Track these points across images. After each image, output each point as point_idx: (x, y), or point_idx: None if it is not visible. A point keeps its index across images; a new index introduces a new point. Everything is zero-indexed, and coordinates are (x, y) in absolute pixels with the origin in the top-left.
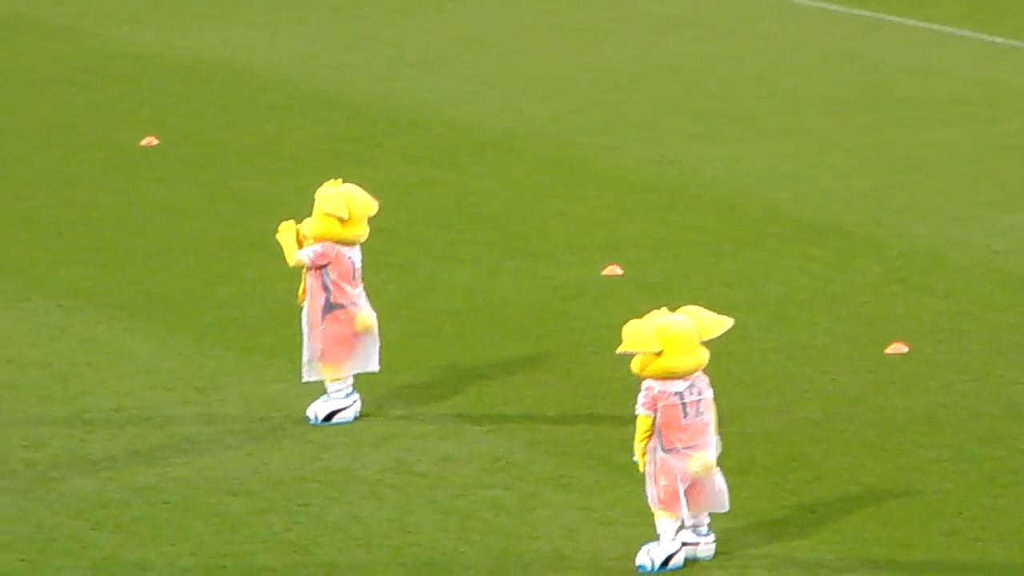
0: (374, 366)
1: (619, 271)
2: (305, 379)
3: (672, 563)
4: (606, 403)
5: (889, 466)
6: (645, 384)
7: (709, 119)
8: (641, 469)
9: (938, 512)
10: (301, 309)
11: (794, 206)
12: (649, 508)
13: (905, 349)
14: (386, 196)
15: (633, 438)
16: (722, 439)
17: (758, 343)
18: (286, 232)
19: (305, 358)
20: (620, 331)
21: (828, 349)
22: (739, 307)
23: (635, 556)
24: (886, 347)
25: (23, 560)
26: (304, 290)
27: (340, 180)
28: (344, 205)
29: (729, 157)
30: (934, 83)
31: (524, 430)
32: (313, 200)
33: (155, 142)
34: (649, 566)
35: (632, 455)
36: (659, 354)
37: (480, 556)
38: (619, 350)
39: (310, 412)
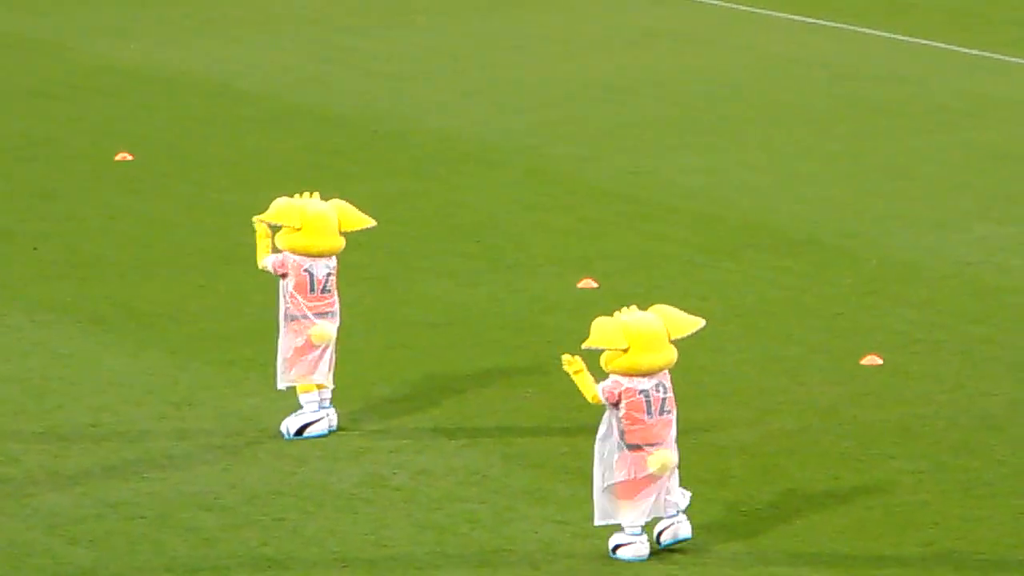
0: (320, 379)
1: (594, 284)
2: (279, 386)
3: (621, 553)
4: (582, 416)
5: (864, 477)
6: (612, 378)
7: (687, 130)
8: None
9: (914, 523)
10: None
11: (770, 217)
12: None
13: (879, 361)
14: (365, 208)
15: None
16: (696, 451)
17: (732, 354)
18: (262, 234)
19: (278, 366)
20: None
21: (803, 360)
22: (714, 318)
23: (614, 569)
24: (861, 358)
25: None
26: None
27: (314, 193)
28: (295, 215)
29: (706, 168)
30: (911, 93)
31: (500, 443)
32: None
33: (129, 158)
34: (608, 550)
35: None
36: (626, 351)
37: (456, 569)
38: (584, 345)
39: (283, 427)
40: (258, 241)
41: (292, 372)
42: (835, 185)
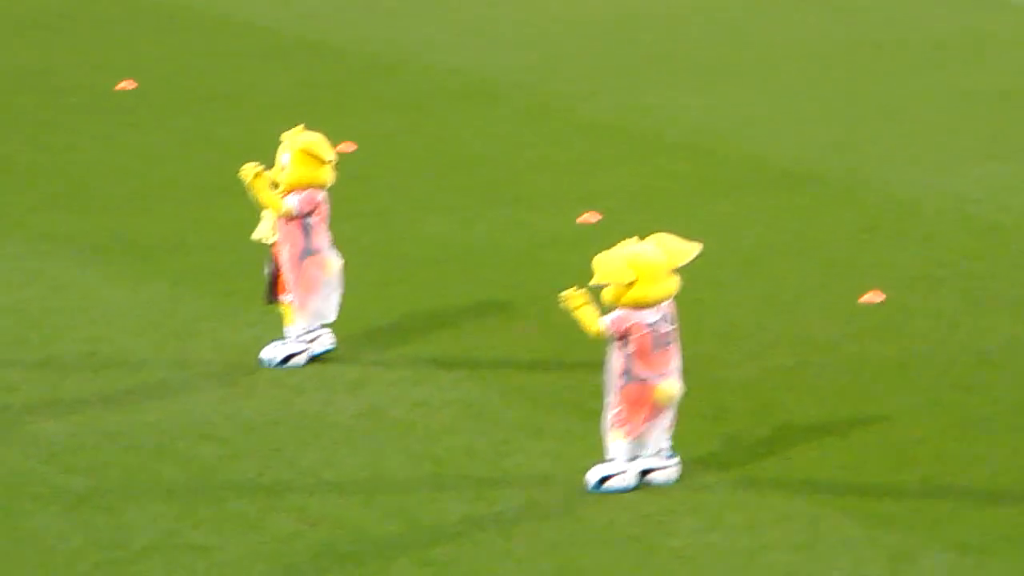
0: (333, 315)
1: (593, 219)
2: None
3: (610, 484)
4: (580, 350)
5: (862, 413)
6: (618, 312)
7: (686, 67)
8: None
9: (911, 459)
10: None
11: (770, 154)
12: (605, 433)
13: (880, 298)
14: (362, 143)
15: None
16: (693, 386)
17: (731, 291)
18: (259, 179)
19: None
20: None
21: (801, 297)
22: (712, 255)
23: (611, 503)
24: (860, 296)
25: None
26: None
27: (303, 126)
28: (329, 147)
29: (705, 105)
30: (911, 31)
31: (498, 377)
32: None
33: (132, 86)
34: (589, 485)
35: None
36: (632, 284)
37: (453, 501)
38: (592, 283)
39: (265, 355)
40: (262, 189)
41: (308, 312)
42: (835, 123)
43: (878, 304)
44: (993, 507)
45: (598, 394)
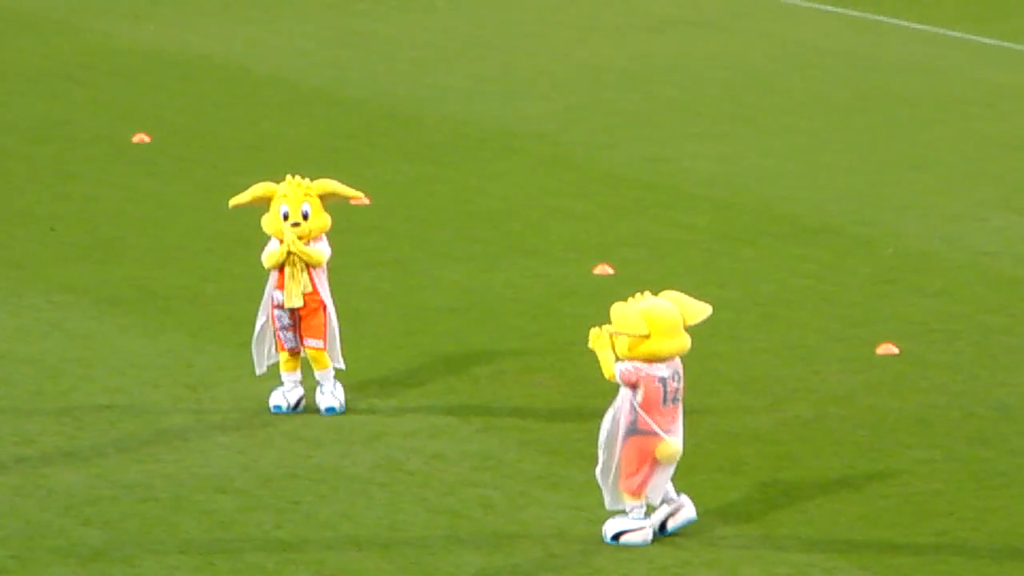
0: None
1: (610, 270)
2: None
3: (627, 539)
4: (597, 402)
5: (879, 466)
6: (631, 363)
7: (705, 117)
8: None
9: (928, 512)
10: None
11: (788, 205)
12: (603, 484)
13: (896, 350)
14: (382, 193)
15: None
16: (710, 438)
17: (749, 342)
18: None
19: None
20: None
21: (819, 349)
22: (731, 306)
23: (628, 555)
24: (877, 347)
25: (12, 556)
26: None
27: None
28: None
29: (725, 156)
30: (930, 83)
31: (515, 429)
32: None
33: (147, 139)
34: (606, 537)
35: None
36: (645, 337)
37: (469, 554)
38: (610, 330)
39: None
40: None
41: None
42: (853, 174)
43: (895, 356)
44: (1010, 561)
45: None
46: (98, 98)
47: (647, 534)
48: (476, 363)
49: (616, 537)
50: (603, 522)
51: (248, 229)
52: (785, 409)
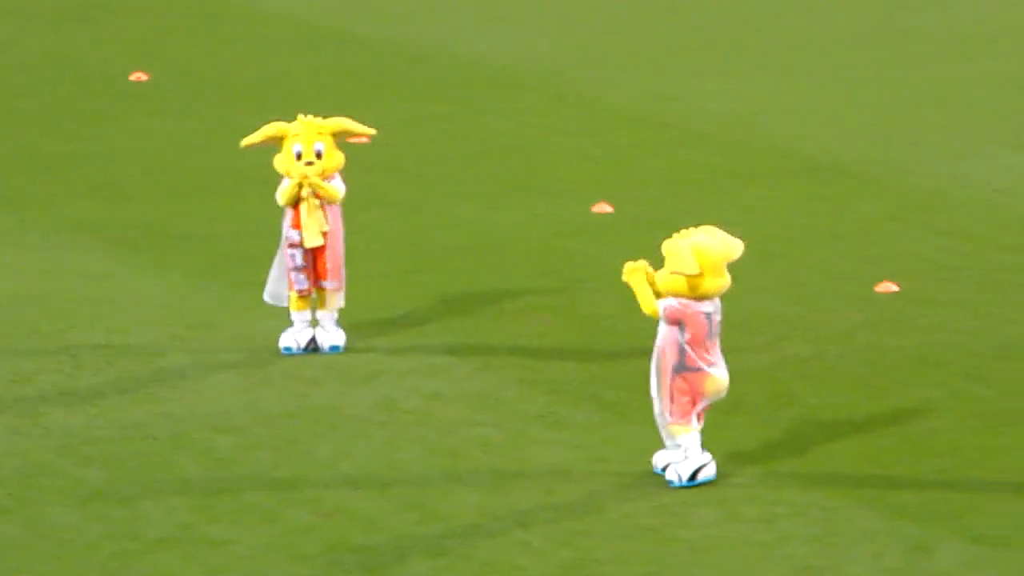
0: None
1: (608, 208)
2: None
3: (702, 475)
4: (599, 341)
5: (879, 405)
6: (677, 299)
7: (714, 55)
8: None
9: (928, 451)
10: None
11: (797, 143)
12: (664, 427)
13: (896, 288)
14: (391, 132)
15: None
16: None
17: (749, 281)
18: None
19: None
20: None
21: (823, 287)
22: None
23: (628, 495)
24: (876, 285)
25: (11, 495)
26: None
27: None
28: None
29: (732, 94)
30: (939, 20)
31: (514, 368)
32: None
33: (144, 78)
34: (677, 480)
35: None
36: (700, 276)
37: (468, 493)
38: (671, 271)
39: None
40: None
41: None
42: (861, 112)
43: (896, 294)
44: (1011, 499)
45: (616, 385)
46: (106, 37)
47: (713, 467)
48: (478, 303)
49: (693, 477)
50: (603, 461)
51: (254, 168)
52: (785, 347)
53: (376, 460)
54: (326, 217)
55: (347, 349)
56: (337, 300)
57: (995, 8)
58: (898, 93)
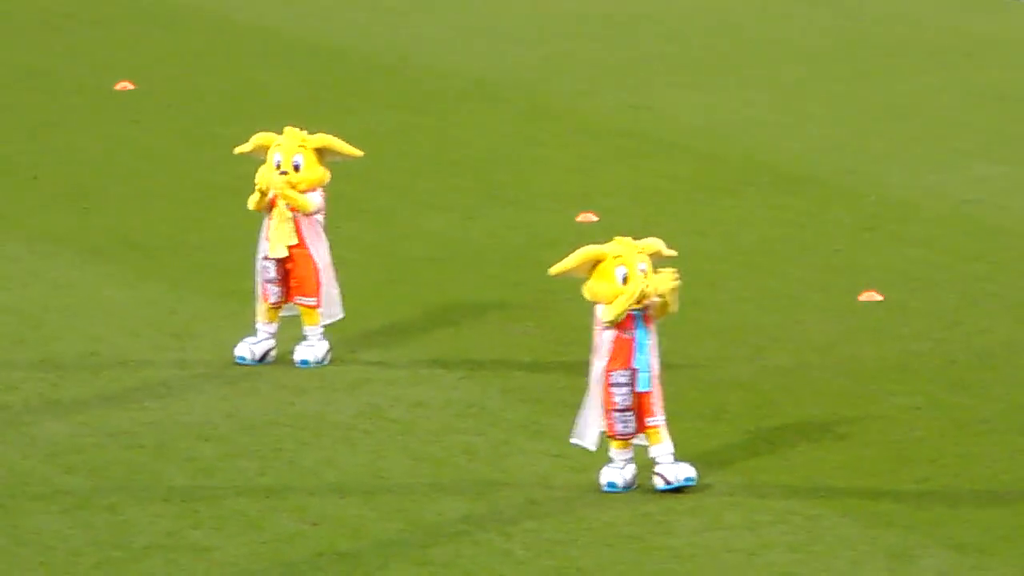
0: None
1: (593, 218)
2: (330, 321)
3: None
4: (580, 350)
5: (860, 414)
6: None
7: (687, 67)
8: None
9: (909, 459)
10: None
11: (770, 155)
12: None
13: (879, 297)
14: (364, 143)
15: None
16: (692, 386)
17: (729, 291)
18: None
19: (325, 302)
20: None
21: (800, 297)
22: (712, 256)
23: (611, 503)
24: (858, 295)
25: None
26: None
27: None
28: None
29: (706, 105)
30: (912, 32)
31: (498, 377)
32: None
33: (130, 87)
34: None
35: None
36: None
37: (453, 501)
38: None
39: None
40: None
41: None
42: (834, 124)
43: (876, 304)
44: (991, 507)
45: None
46: (79, 47)
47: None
48: (458, 312)
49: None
50: (585, 470)
51: (230, 178)
52: (766, 357)
53: (361, 468)
54: (297, 229)
55: (332, 358)
56: (318, 317)
57: (967, 20)
58: (870, 105)
